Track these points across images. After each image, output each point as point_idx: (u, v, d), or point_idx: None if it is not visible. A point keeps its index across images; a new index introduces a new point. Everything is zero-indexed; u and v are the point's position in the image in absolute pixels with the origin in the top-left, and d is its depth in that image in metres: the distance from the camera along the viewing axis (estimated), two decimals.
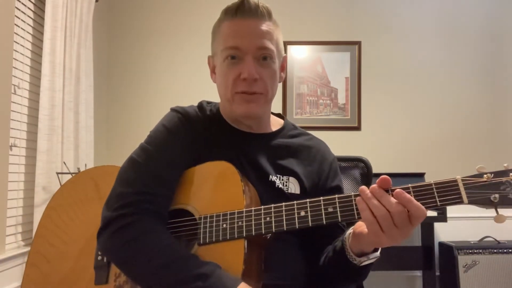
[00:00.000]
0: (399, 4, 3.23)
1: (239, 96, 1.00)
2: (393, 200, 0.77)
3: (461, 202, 0.77)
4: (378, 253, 0.89)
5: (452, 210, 2.68)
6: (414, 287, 3.11)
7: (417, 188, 0.79)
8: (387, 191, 0.79)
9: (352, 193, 0.84)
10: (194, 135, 1.03)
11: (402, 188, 0.79)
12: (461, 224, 2.98)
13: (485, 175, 0.78)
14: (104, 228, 0.92)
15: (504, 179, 0.77)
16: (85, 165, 2.30)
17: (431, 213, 2.64)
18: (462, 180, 0.78)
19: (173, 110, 1.08)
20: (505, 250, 2.72)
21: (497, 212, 0.78)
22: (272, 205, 0.88)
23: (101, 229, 0.92)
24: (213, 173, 0.96)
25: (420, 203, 0.77)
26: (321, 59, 3.16)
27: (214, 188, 0.94)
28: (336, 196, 0.85)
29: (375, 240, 0.81)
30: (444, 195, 0.78)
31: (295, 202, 0.87)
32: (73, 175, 2.00)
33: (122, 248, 0.89)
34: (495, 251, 2.72)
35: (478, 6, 3.21)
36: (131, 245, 0.88)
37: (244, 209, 0.89)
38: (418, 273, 3.05)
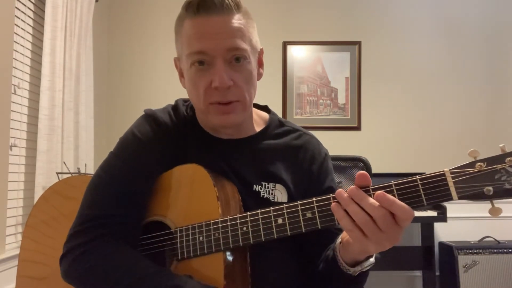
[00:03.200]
0: (399, 4, 3.23)
1: (214, 107, 0.88)
2: (374, 202, 0.69)
3: (450, 198, 0.69)
4: (372, 260, 0.81)
5: (452, 210, 2.68)
6: (414, 287, 3.11)
7: (400, 186, 0.71)
8: (367, 190, 0.72)
9: (331, 195, 0.76)
10: (167, 144, 0.94)
11: (384, 186, 0.71)
12: (461, 224, 2.98)
13: (477, 164, 0.68)
14: (63, 256, 0.88)
15: (499, 166, 0.67)
16: (85, 165, 2.30)
17: (431, 213, 2.65)
18: (451, 172, 0.69)
19: (145, 115, 0.99)
20: (505, 250, 2.72)
21: (492, 204, 0.69)
22: (248, 213, 0.83)
23: (61, 256, 0.88)
24: (184, 178, 0.90)
25: (405, 203, 0.69)
26: (321, 59, 3.16)
27: (187, 196, 0.89)
28: (314, 199, 0.78)
29: (360, 247, 0.75)
30: (431, 192, 0.69)
31: (271, 208, 0.81)
32: (73, 175, 2.01)
33: (83, 277, 0.85)
34: (495, 251, 2.72)
35: (477, 6, 3.21)
36: (91, 273, 0.84)
37: (220, 219, 0.84)
38: (418, 273, 3.05)
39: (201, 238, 0.85)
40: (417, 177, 0.71)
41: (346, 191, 0.72)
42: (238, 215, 0.84)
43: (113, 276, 0.83)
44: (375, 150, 3.08)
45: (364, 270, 0.82)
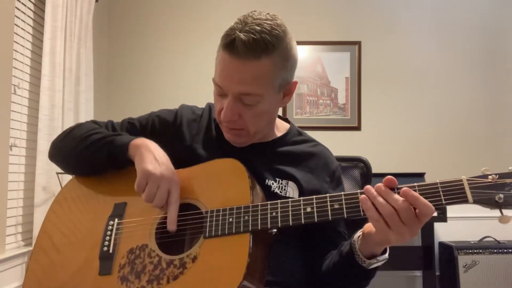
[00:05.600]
0: (399, 4, 3.23)
1: (224, 126, 1.01)
2: (399, 197, 0.77)
3: (466, 201, 0.77)
4: (386, 255, 0.88)
5: (452, 210, 2.68)
6: (414, 287, 3.11)
7: (422, 187, 0.79)
8: (393, 189, 0.79)
9: (358, 191, 0.83)
10: (179, 133, 1.09)
11: (408, 186, 0.79)
12: (461, 224, 2.98)
13: (489, 176, 0.78)
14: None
15: (508, 180, 0.77)
16: None
17: None
18: (467, 180, 0.78)
19: (179, 106, 1.16)
20: (505, 250, 2.72)
21: (501, 212, 0.78)
22: (279, 201, 0.88)
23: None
24: (221, 169, 0.97)
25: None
26: (321, 59, 3.16)
27: (221, 184, 0.95)
28: (343, 193, 0.85)
29: (383, 238, 0.80)
30: (449, 194, 0.78)
31: (301, 198, 0.87)
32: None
33: (60, 147, 1.10)
34: (495, 251, 2.72)
35: (477, 6, 3.21)
36: (64, 137, 1.10)
37: (251, 204, 0.89)
38: (418, 273, 3.05)
39: (230, 219, 0.88)
40: (437, 181, 0.79)
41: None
42: (268, 202, 0.88)
43: (78, 135, 1.06)
44: (375, 150, 3.08)
45: (378, 263, 0.88)
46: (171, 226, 0.90)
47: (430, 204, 0.76)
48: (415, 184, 0.80)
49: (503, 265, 2.70)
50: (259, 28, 0.89)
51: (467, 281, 2.69)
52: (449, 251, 2.78)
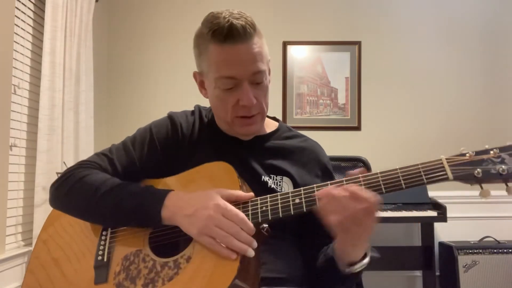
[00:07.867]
0: (399, 4, 3.23)
1: (238, 120, 1.02)
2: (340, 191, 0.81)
3: (446, 178, 0.82)
4: (365, 261, 0.89)
5: (452, 210, 2.68)
6: (414, 287, 3.11)
7: (404, 170, 0.84)
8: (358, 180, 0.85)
9: (344, 178, 0.88)
10: (181, 143, 1.08)
11: (391, 170, 0.84)
12: (461, 224, 2.98)
13: (467, 154, 0.83)
14: (52, 185, 1.04)
15: (485, 156, 0.82)
16: None
17: (431, 213, 2.65)
18: (446, 159, 0.83)
19: (167, 116, 1.13)
20: (505, 250, 2.71)
21: (481, 187, 0.82)
22: (268, 196, 0.90)
23: (53, 182, 1.04)
24: (212, 172, 0.98)
25: (409, 182, 0.83)
26: (321, 59, 3.16)
27: (213, 186, 0.96)
28: (329, 182, 0.88)
29: (343, 234, 0.84)
30: (430, 173, 0.83)
31: (289, 191, 0.90)
32: None
33: (64, 199, 1.01)
34: (495, 251, 2.72)
35: (477, 6, 3.21)
36: (73, 189, 0.98)
37: (241, 201, 0.91)
38: (418, 273, 3.05)
39: None
40: (418, 163, 0.85)
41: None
42: (258, 198, 0.91)
43: (90, 189, 0.96)
44: (375, 150, 3.08)
45: (359, 269, 0.89)
46: (250, 249, 0.84)
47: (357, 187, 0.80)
48: (397, 168, 0.84)
49: (503, 265, 2.70)
50: (238, 15, 0.97)
51: (467, 281, 2.69)
52: (449, 251, 2.78)
